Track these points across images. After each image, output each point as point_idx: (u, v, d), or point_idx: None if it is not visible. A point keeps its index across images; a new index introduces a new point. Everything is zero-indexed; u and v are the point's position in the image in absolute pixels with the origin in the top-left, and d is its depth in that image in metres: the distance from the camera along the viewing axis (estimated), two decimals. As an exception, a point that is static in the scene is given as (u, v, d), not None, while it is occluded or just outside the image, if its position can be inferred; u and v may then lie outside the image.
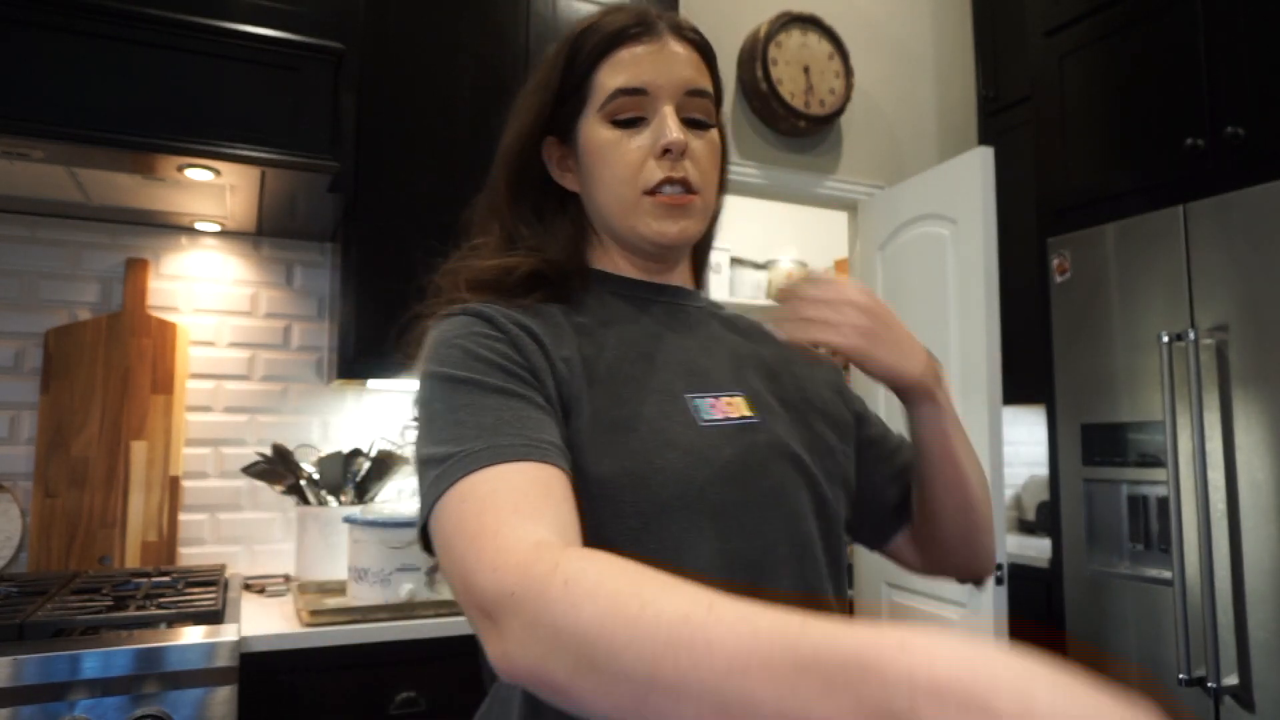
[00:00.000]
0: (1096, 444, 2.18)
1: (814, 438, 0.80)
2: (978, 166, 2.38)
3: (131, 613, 1.52)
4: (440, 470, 0.61)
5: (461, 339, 0.69)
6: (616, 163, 0.77)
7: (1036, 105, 2.55)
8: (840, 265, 3.84)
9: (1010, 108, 2.93)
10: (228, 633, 1.47)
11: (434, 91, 2.04)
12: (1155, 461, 2.02)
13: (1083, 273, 2.25)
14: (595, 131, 0.77)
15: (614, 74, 0.76)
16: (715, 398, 0.76)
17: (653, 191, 0.76)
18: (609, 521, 0.68)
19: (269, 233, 2.21)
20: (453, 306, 0.75)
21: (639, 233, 0.78)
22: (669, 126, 0.75)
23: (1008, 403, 2.51)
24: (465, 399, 0.65)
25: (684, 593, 0.46)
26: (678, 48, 0.78)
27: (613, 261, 0.83)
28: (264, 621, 1.64)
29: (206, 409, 2.15)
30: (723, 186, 0.87)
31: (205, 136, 1.65)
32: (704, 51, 0.81)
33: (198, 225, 2.13)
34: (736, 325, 0.88)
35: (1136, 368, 2.08)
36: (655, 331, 0.79)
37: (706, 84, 0.79)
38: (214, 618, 1.54)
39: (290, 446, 2.06)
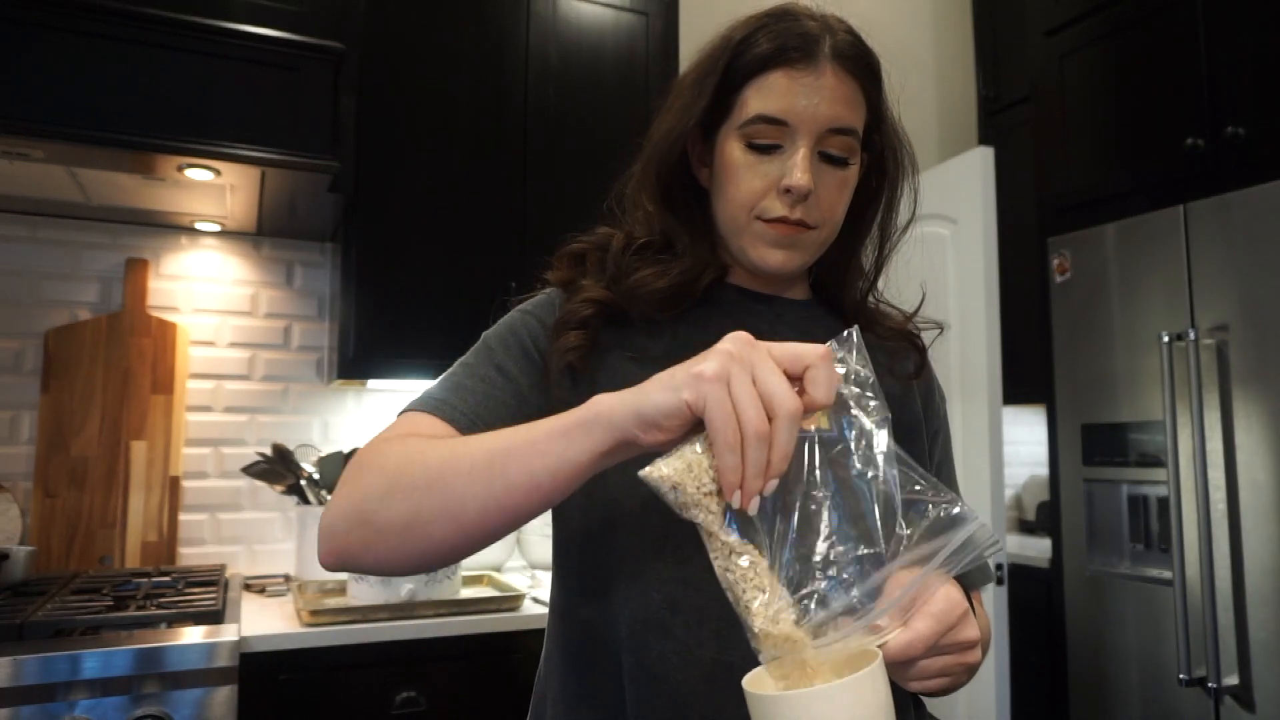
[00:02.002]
0: (1096, 444, 2.18)
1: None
2: (978, 166, 2.37)
3: (132, 613, 1.52)
4: (416, 398, 0.77)
5: (522, 313, 0.83)
6: (741, 187, 0.77)
7: (1036, 105, 2.55)
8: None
9: (1010, 108, 2.93)
10: (228, 633, 1.47)
11: (434, 91, 2.04)
12: (1155, 461, 2.02)
13: (1083, 273, 2.25)
14: (731, 147, 0.78)
15: (760, 97, 0.75)
16: None
17: (768, 220, 0.77)
18: (655, 527, 0.72)
19: (269, 233, 2.21)
20: (567, 289, 0.83)
21: (746, 255, 0.80)
22: (797, 167, 0.74)
23: (1008, 403, 2.51)
24: (474, 359, 0.80)
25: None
26: (833, 79, 0.75)
27: (731, 269, 0.86)
28: (264, 621, 1.64)
29: (206, 409, 2.15)
30: (887, 211, 0.85)
31: (205, 136, 1.65)
32: (865, 76, 0.77)
33: (198, 225, 2.13)
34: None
35: (1136, 368, 2.08)
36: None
37: (853, 120, 0.76)
38: (214, 618, 1.54)
39: (290, 446, 2.06)
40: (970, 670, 0.62)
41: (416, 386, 2.25)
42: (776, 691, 0.54)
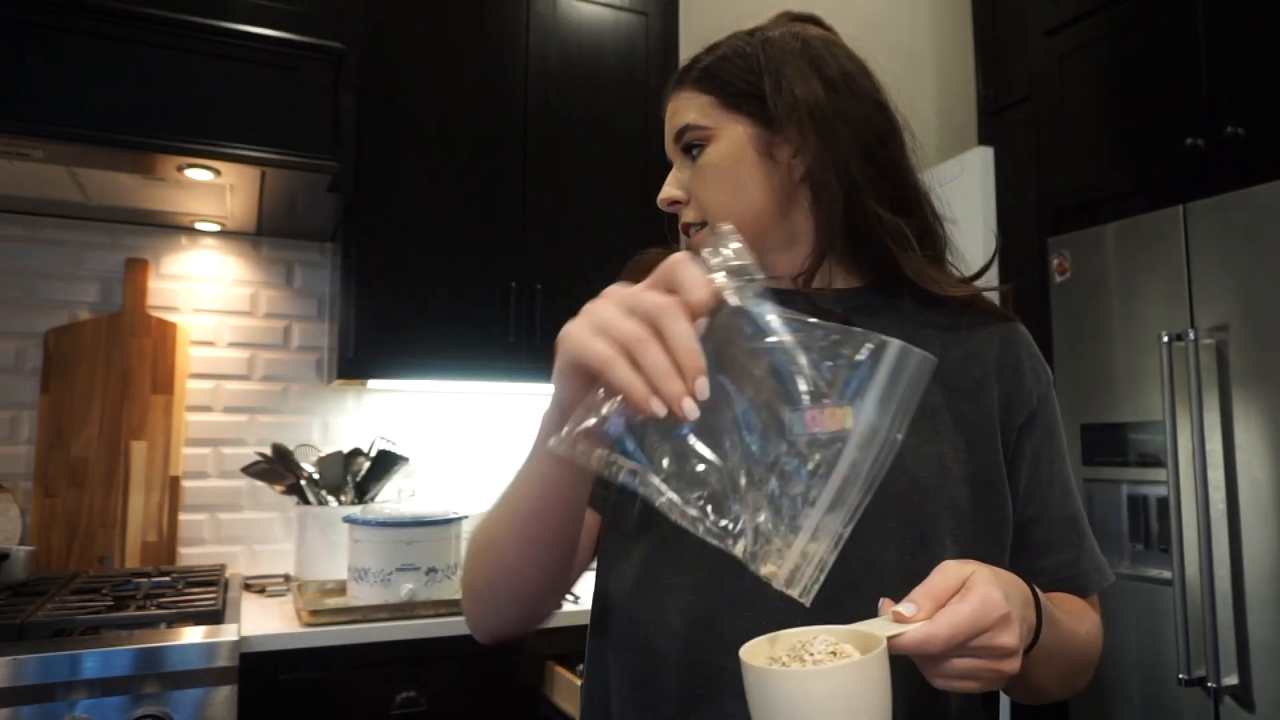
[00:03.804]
0: (1096, 444, 2.18)
1: (956, 459, 0.74)
2: (978, 166, 2.38)
3: (131, 613, 1.52)
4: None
5: None
6: None
7: (1036, 105, 2.55)
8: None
9: (1010, 108, 2.93)
10: (228, 633, 1.47)
11: (434, 91, 2.04)
12: (1155, 461, 2.02)
13: (1083, 273, 2.25)
14: None
15: None
16: (818, 410, 0.74)
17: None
18: (671, 532, 0.73)
19: (269, 233, 2.21)
20: None
21: None
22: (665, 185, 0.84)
23: (1008, 403, 2.50)
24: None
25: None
26: (675, 102, 0.84)
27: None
28: (264, 621, 1.64)
29: (206, 409, 2.15)
30: (847, 163, 0.77)
31: (205, 136, 1.65)
32: (699, 82, 0.83)
33: (198, 225, 2.13)
34: (900, 322, 0.78)
35: (1136, 368, 2.08)
36: (774, 344, 0.79)
37: (690, 117, 0.82)
38: (214, 618, 1.54)
39: (290, 446, 2.06)
40: (1002, 679, 0.58)
41: (416, 386, 2.25)
42: (770, 666, 0.53)
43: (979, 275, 0.85)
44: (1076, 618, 0.75)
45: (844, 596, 0.66)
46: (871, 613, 0.59)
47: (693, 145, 0.82)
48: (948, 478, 0.73)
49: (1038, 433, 0.80)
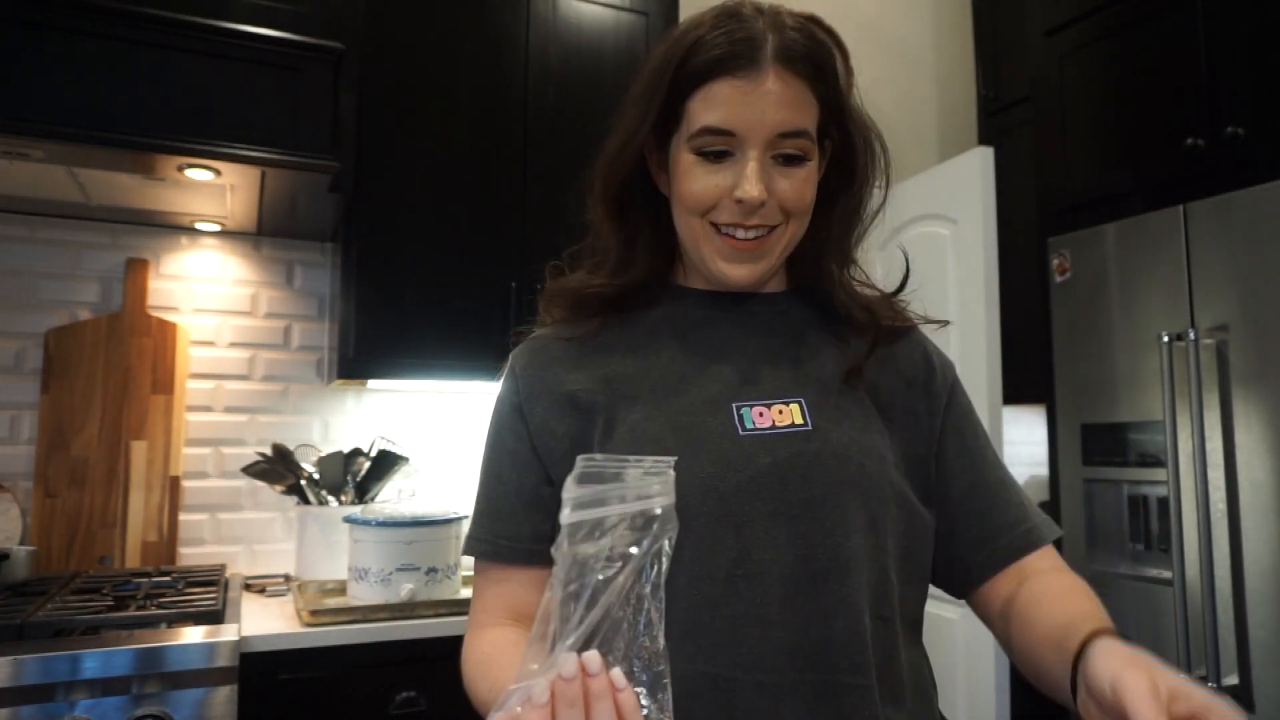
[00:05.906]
0: (1096, 444, 2.18)
1: (888, 447, 0.77)
2: (978, 166, 2.38)
3: (132, 613, 1.52)
4: (468, 534, 0.84)
5: (496, 403, 0.86)
6: (695, 192, 0.75)
7: (1036, 105, 2.55)
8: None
9: (1010, 108, 2.93)
10: (228, 633, 1.47)
11: (434, 91, 2.04)
12: (1155, 461, 2.02)
13: (1083, 273, 2.25)
14: (684, 158, 0.76)
15: (706, 109, 0.73)
16: (766, 405, 0.76)
17: (723, 229, 0.76)
18: None
19: (269, 233, 2.21)
20: (530, 334, 0.87)
21: (708, 267, 0.79)
22: (748, 180, 0.72)
23: (1008, 403, 2.51)
24: (483, 474, 0.85)
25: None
26: (777, 83, 0.72)
27: (691, 275, 0.85)
28: (264, 621, 1.64)
29: (206, 409, 2.15)
30: (859, 194, 0.81)
31: (205, 136, 1.65)
32: (812, 76, 0.74)
33: (198, 225, 2.13)
34: (828, 324, 0.83)
35: (1136, 368, 2.08)
36: (720, 342, 0.80)
37: (802, 121, 0.74)
38: (214, 618, 1.54)
39: (290, 446, 2.06)
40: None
41: (416, 386, 2.25)
42: None
43: (896, 293, 0.89)
44: (1085, 597, 0.78)
45: (817, 583, 0.70)
46: (842, 596, 0.69)
47: (798, 152, 0.74)
48: (885, 464, 0.76)
49: (956, 411, 0.86)
